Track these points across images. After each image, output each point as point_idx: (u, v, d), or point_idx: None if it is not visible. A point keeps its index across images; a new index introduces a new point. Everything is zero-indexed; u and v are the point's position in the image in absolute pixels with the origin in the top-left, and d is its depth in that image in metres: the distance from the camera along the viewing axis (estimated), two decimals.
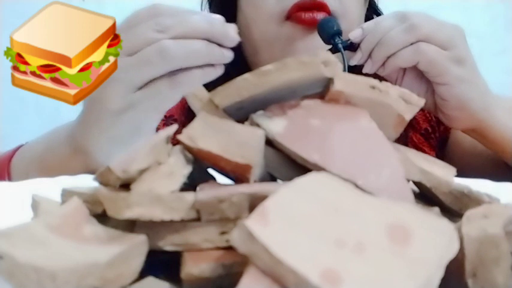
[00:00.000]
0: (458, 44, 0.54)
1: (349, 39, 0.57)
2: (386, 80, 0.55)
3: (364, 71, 0.56)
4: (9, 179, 0.51)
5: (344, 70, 0.55)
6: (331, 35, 0.58)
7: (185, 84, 0.42)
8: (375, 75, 0.52)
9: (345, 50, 0.57)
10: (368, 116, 0.29)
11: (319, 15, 0.62)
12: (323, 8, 0.63)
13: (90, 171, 0.47)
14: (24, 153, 0.54)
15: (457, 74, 0.54)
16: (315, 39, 0.63)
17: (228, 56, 0.43)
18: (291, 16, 0.64)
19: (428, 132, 0.75)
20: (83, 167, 0.47)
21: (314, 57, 0.28)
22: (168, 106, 0.45)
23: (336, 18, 0.61)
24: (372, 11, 0.77)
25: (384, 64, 0.55)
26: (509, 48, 1.26)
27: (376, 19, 0.58)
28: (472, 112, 0.56)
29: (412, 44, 0.53)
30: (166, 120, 0.73)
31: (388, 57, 0.54)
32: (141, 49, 0.41)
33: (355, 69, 0.55)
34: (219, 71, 0.43)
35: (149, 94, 0.43)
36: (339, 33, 0.58)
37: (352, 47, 0.57)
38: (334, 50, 0.57)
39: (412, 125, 0.75)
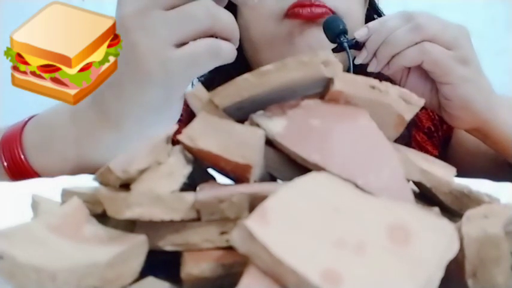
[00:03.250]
0: (462, 44, 0.54)
1: (354, 38, 0.57)
2: (389, 80, 0.56)
3: (369, 69, 0.56)
4: (22, 151, 0.47)
5: (349, 68, 0.56)
6: (337, 34, 0.58)
7: (223, 54, 0.40)
8: (380, 75, 0.53)
9: (350, 48, 0.57)
10: (368, 116, 0.29)
11: (317, 10, 0.62)
12: (322, 6, 0.63)
13: (116, 143, 0.43)
14: (41, 122, 0.49)
15: (461, 74, 0.54)
16: (315, 34, 0.63)
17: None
18: (288, 13, 0.64)
19: (431, 131, 0.75)
20: (110, 137, 0.44)
21: (314, 57, 0.28)
22: (200, 73, 0.43)
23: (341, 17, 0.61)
24: (373, 11, 0.78)
25: (388, 63, 0.55)
26: (509, 48, 1.26)
27: (381, 18, 0.58)
28: (476, 112, 0.56)
29: (417, 43, 0.53)
30: None
31: (393, 57, 0.55)
32: (183, 4, 0.39)
33: (360, 68, 0.55)
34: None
35: (187, 55, 0.39)
36: (344, 32, 0.59)
37: (358, 45, 0.57)
38: (340, 48, 0.58)
39: (415, 123, 0.75)
